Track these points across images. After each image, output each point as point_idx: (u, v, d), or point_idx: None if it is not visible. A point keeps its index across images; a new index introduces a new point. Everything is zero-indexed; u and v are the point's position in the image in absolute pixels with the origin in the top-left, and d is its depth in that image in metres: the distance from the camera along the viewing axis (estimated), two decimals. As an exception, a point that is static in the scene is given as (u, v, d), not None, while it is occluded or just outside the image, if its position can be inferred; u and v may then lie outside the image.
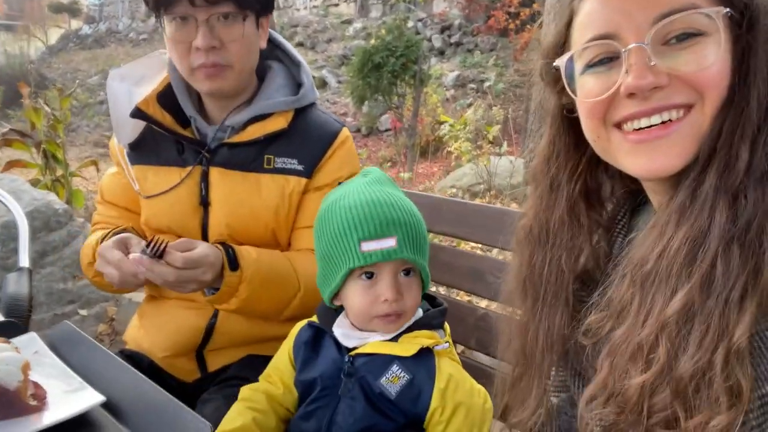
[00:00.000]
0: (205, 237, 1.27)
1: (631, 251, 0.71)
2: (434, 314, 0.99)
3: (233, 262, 1.15)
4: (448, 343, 0.96)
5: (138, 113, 1.25)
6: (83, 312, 3.09)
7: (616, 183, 0.86)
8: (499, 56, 12.65)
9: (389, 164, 8.91)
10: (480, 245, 2.79)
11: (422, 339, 0.93)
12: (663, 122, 0.66)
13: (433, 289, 1.99)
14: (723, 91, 0.65)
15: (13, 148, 4.45)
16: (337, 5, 18.00)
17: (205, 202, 1.26)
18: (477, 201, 4.75)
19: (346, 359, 0.94)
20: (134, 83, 1.29)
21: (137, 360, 1.32)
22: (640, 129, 0.68)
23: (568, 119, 0.80)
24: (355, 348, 0.95)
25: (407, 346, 0.92)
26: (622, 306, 0.69)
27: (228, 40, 1.16)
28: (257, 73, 1.32)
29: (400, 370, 0.92)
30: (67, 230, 3.19)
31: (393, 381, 0.91)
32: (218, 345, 1.30)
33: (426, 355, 0.93)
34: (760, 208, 0.61)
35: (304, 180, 1.26)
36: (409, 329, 0.95)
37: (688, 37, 0.65)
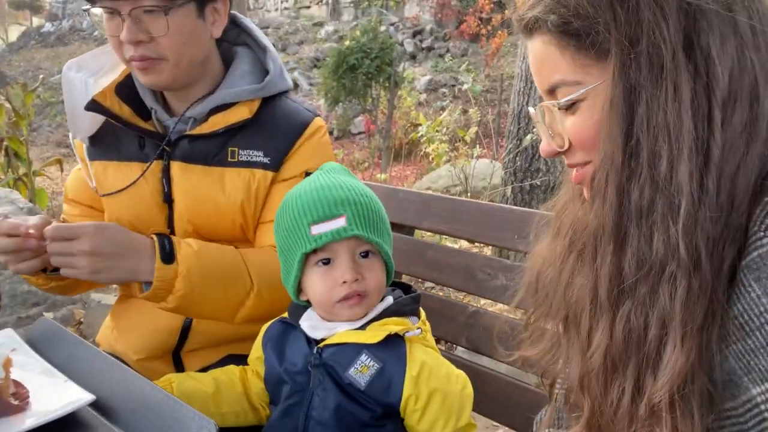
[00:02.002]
0: (171, 234, 1.21)
1: None
2: (405, 301, 0.96)
3: (169, 255, 1.05)
4: (420, 330, 0.93)
5: (93, 106, 1.17)
6: (49, 315, 2.97)
7: None
8: (470, 61, 12.77)
9: (365, 166, 8.88)
10: (470, 242, 2.78)
11: (390, 326, 0.91)
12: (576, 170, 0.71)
13: (422, 287, 1.97)
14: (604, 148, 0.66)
15: (-28, 146, 4.27)
16: (308, 7, 17.93)
17: (168, 199, 1.19)
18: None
19: (315, 351, 0.92)
20: (92, 74, 1.21)
21: (112, 361, 1.25)
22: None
23: None
24: (323, 339, 0.93)
25: (374, 333, 0.90)
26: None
27: (156, 33, 1.09)
28: (224, 60, 1.25)
29: (369, 359, 0.89)
30: (32, 230, 3.06)
31: (362, 371, 0.89)
32: (196, 345, 1.23)
33: (396, 342, 0.90)
34: (647, 265, 0.60)
35: (270, 173, 1.19)
36: (379, 317, 0.93)
37: (567, 106, 0.67)
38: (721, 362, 0.60)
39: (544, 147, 0.72)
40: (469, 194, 4.41)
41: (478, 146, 5.45)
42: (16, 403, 0.67)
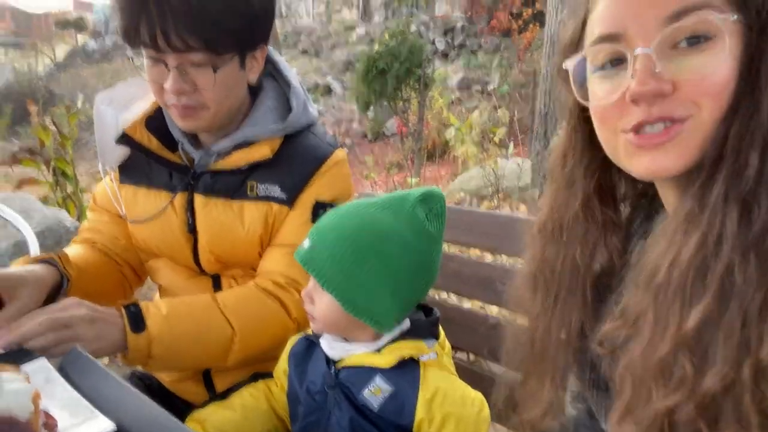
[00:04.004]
0: (197, 263, 1.26)
1: (642, 258, 0.69)
2: (422, 324, 0.97)
3: (138, 323, 1.05)
4: (435, 354, 0.94)
5: (124, 139, 1.22)
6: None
7: (629, 185, 0.84)
8: (503, 57, 12.62)
9: (396, 169, 8.91)
10: (489, 253, 2.78)
11: (403, 349, 0.92)
12: (666, 127, 0.65)
13: (444, 296, 1.98)
14: (727, 97, 0.63)
15: (23, 166, 4.51)
16: (339, 11, 18.07)
17: (193, 230, 1.23)
18: (485, 204, 4.74)
19: (332, 371, 0.95)
20: (122, 107, 1.26)
21: (148, 382, 1.32)
22: (644, 134, 0.66)
23: (584, 116, 0.77)
24: (341, 359, 0.95)
25: (387, 357, 0.91)
26: (636, 317, 0.67)
27: (202, 87, 1.11)
28: (251, 90, 1.28)
29: (382, 382, 0.91)
30: (78, 247, 3.20)
31: (375, 393, 0.90)
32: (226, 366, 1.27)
33: (410, 366, 0.92)
34: None
35: (285, 208, 1.21)
36: (393, 340, 0.94)
37: (696, 41, 0.62)
38: None
39: (647, 84, 0.62)
40: (500, 195, 4.38)
41: (511, 144, 5.39)
42: (45, 433, 0.72)
